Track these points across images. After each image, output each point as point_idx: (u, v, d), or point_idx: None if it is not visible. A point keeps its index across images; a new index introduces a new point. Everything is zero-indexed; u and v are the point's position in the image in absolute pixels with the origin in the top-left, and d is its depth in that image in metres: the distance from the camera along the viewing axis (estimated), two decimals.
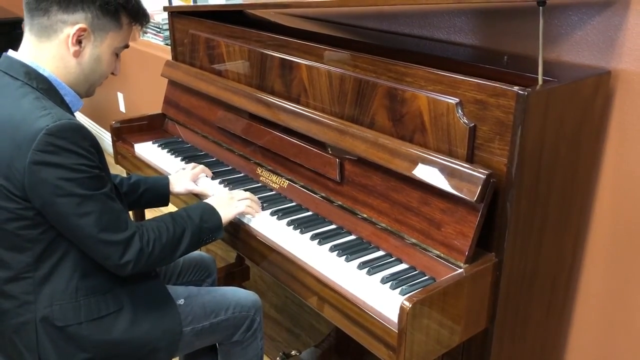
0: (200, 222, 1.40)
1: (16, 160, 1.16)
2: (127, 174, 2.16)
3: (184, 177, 1.72)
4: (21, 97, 1.21)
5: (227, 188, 1.74)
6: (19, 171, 1.17)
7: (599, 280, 1.57)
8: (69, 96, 1.31)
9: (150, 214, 1.96)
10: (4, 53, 1.31)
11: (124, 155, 2.13)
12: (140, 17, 1.36)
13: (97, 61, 1.32)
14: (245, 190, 1.70)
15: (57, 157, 1.16)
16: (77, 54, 1.28)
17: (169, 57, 2.32)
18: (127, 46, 1.38)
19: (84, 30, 1.26)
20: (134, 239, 1.26)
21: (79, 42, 1.27)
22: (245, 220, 1.56)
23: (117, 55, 1.37)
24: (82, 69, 1.30)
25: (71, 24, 1.25)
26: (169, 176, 1.73)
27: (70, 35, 1.25)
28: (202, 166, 1.80)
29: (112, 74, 1.40)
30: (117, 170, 1.72)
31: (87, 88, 1.36)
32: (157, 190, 1.68)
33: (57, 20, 1.24)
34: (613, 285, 1.54)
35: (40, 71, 1.26)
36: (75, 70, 1.30)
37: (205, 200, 1.51)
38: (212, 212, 1.45)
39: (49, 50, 1.27)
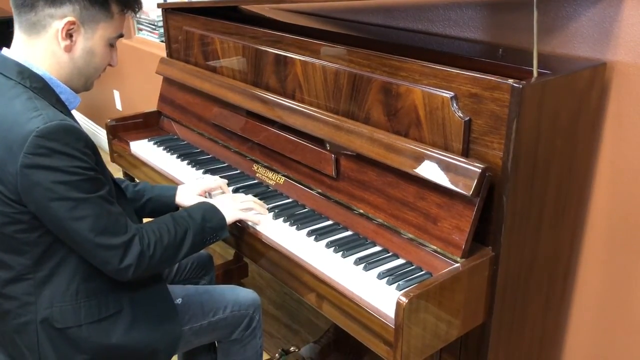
0: (203, 221, 1.37)
1: (9, 164, 1.14)
2: (124, 174, 2.16)
3: (192, 190, 1.60)
4: (14, 98, 1.18)
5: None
6: (12, 175, 1.14)
7: (596, 273, 1.57)
8: (65, 94, 1.27)
9: None
10: None
11: (120, 154, 2.13)
12: (131, 3, 1.31)
13: (91, 54, 1.27)
14: (242, 187, 1.70)
15: (49, 159, 1.12)
16: (68, 49, 1.24)
17: (164, 54, 2.31)
18: (121, 35, 1.33)
19: (73, 23, 1.21)
20: (133, 241, 1.23)
21: (69, 36, 1.23)
22: (249, 223, 1.52)
23: (112, 45, 1.32)
24: (75, 63, 1.26)
25: (59, 18, 1.21)
26: (178, 186, 1.63)
27: (59, 29, 1.21)
28: (222, 181, 1.65)
29: (110, 65, 1.35)
30: (112, 168, 1.70)
31: (84, 82, 1.31)
32: (162, 199, 1.60)
33: (44, 15, 1.20)
34: (611, 278, 1.54)
35: (34, 69, 1.23)
36: (69, 65, 1.26)
37: (207, 200, 1.48)
38: (214, 211, 1.41)
39: (40, 47, 1.23)
